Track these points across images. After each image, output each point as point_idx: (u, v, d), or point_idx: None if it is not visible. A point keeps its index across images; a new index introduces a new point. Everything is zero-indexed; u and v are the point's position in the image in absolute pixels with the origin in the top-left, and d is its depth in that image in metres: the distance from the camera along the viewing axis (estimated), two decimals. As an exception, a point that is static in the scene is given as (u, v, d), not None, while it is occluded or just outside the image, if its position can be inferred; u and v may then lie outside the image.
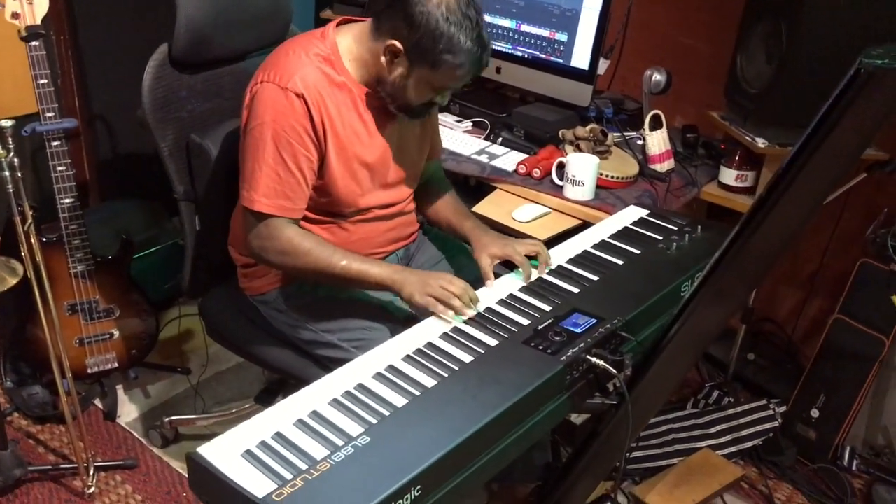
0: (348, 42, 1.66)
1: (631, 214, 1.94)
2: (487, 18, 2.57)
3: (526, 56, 2.55)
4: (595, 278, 1.65)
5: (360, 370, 1.34)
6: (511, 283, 1.63)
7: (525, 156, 2.29)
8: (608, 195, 2.14)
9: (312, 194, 1.67)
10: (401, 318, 1.73)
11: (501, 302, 1.56)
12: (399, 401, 1.26)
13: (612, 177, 2.17)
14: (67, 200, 2.14)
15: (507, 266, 1.71)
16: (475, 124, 2.55)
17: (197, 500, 1.86)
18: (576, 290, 1.60)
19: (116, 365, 2.40)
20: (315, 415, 1.23)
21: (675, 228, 1.85)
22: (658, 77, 2.41)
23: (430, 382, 1.30)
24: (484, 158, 2.30)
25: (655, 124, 2.31)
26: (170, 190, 1.91)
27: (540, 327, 1.45)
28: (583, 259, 1.72)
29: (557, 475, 1.69)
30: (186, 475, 1.50)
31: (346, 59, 1.65)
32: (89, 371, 2.37)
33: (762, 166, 2.25)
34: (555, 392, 1.34)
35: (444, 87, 1.65)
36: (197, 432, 2.40)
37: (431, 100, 1.67)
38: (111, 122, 2.84)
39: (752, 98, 2.19)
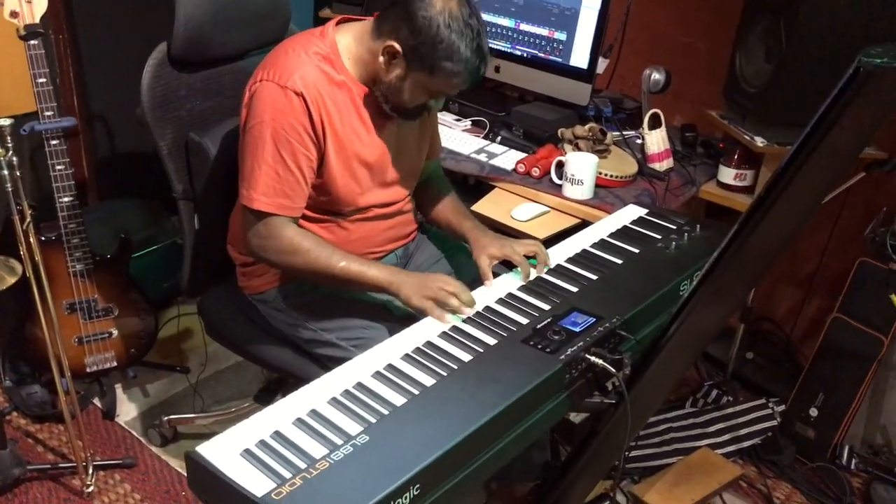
0: (348, 41, 1.66)
1: (630, 213, 1.94)
2: (487, 17, 2.57)
3: (525, 55, 2.55)
4: (594, 277, 1.65)
5: (359, 369, 1.34)
6: (510, 283, 1.63)
7: (524, 155, 2.29)
8: (607, 194, 2.14)
9: (312, 193, 1.67)
10: (400, 317, 1.73)
11: (500, 301, 1.56)
12: (398, 400, 1.26)
13: (611, 176, 2.18)
14: (66, 199, 2.14)
15: (507, 265, 1.71)
16: (474, 123, 2.55)
17: (196, 499, 1.86)
18: (575, 289, 1.60)
19: (115, 364, 2.40)
20: (314, 414, 1.23)
21: (674, 227, 1.85)
22: (657, 76, 2.41)
23: (429, 381, 1.30)
24: (483, 157, 2.30)
25: (654, 123, 2.31)
26: (169, 189, 1.91)
27: (539, 326, 1.45)
28: (582, 258, 1.72)
29: (556, 474, 1.69)
30: (185, 474, 1.50)
31: (345, 58, 1.65)
32: (88, 370, 2.37)
33: (761, 165, 2.25)
34: (554, 391, 1.35)
35: (440, 92, 1.66)
36: (196, 431, 2.40)
37: (426, 103, 1.68)
38: (110, 120, 2.84)
39: (751, 97, 2.19)
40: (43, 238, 2.15)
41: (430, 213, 1.94)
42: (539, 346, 1.38)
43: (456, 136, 2.42)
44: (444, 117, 2.54)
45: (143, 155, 2.75)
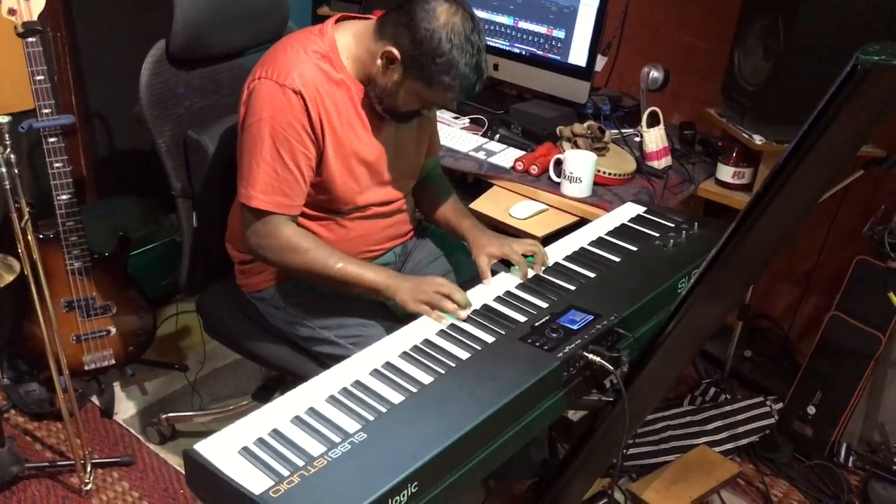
0: (347, 39, 1.66)
1: (628, 211, 1.94)
2: (486, 15, 2.57)
3: (523, 53, 2.55)
4: (592, 275, 1.65)
5: (357, 367, 1.34)
6: (508, 281, 1.63)
7: (522, 153, 2.29)
8: (605, 192, 2.15)
9: (310, 191, 1.67)
10: (398, 315, 1.73)
11: (498, 299, 1.56)
12: (396, 398, 1.26)
13: (610, 174, 2.18)
14: (64, 197, 2.14)
15: (505, 264, 1.71)
16: (473, 121, 2.55)
17: (194, 496, 1.86)
18: (573, 287, 1.60)
19: (113, 362, 2.40)
20: (312, 411, 1.23)
21: (672, 225, 1.85)
22: (655, 74, 2.41)
23: (427, 379, 1.30)
24: (481, 155, 2.30)
25: (653, 121, 2.31)
26: (167, 186, 1.91)
27: (537, 324, 1.45)
28: (580, 256, 1.72)
29: (554, 472, 1.69)
30: (183, 472, 1.50)
31: (344, 57, 1.65)
32: (86, 368, 2.37)
33: (759, 163, 2.25)
34: (551, 389, 1.35)
35: (433, 103, 1.67)
36: (194, 429, 2.40)
37: (418, 110, 1.68)
38: (108, 118, 2.83)
39: (750, 95, 2.20)
40: (41, 236, 2.15)
41: (428, 211, 1.94)
42: (537, 344, 1.38)
43: (454, 134, 2.42)
44: (443, 115, 2.54)
45: (141, 153, 2.75)
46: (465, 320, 1.48)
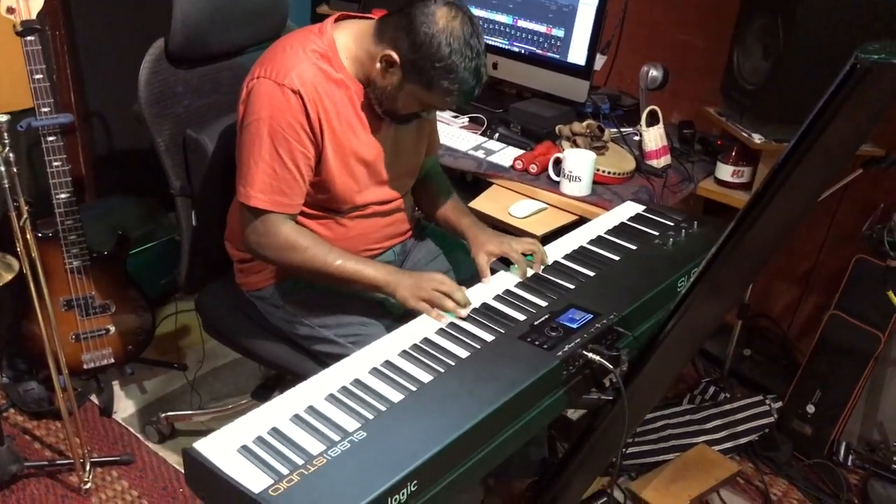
0: (346, 39, 1.65)
1: (627, 210, 1.94)
2: (485, 14, 2.57)
3: (523, 52, 2.55)
4: (591, 274, 1.65)
5: (356, 365, 1.34)
6: (507, 279, 1.63)
7: (522, 151, 2.29)
8: (605, 191, 2.15)
9: (310, 190, 1.67)
10: (397, 313, 1.73)
11: (498, 298, 1.56)
12: (395, 396, 1.26)
13: (609, 172, 2.18)
14: (63, 196, 2.14)
15: (505, 262, 1.71)
16: (472, 120, 2.55)
17: (193, 495, 1.86)
18: (572, 286, 1.60)
19: (112, 361, 2.40)
20: (311, 410, 1.23)
21: (672, 224, 1.85)
22: (655, 73, 2.41)
23: (426, 378, 1.30)
24: (481, 154, 2.30)
25: (652, 120, 2.31)
26: (166, 185, 1.91)
27: (536, 323, 1.45)
28: (579, 255, 1.72)
29: (554, 471, 1.69)
30: (183, 471, 1.50)
31: (343, 56, 1.65)
32: (85, 367, 2.37)
33: (758, 162, 2.25)
34: (551, 387, 1.35)
35: (432, 106, 1.67)
36: (193, 428, 2.40)
37: (418, 112, 1.68)
38: (107, 117, 2.83)
39: (749, 94, 2.19)
40: (40, 235, 2.15)
41: (428, 210, 1.94)
42: (536, 343, 1.38)
43: (454, 133, 2.42)
44: (442, 114, 2.54)
45: (140, 151, 2.74)
46: (464, 319, 1.48)
